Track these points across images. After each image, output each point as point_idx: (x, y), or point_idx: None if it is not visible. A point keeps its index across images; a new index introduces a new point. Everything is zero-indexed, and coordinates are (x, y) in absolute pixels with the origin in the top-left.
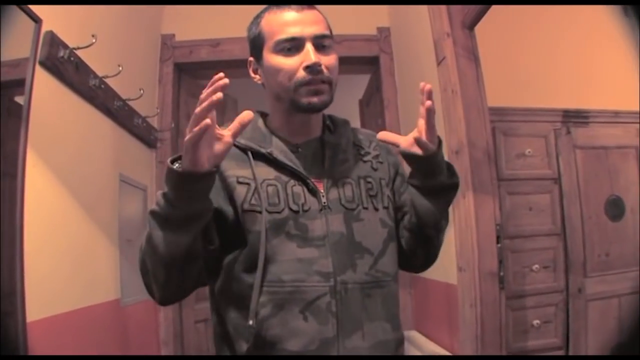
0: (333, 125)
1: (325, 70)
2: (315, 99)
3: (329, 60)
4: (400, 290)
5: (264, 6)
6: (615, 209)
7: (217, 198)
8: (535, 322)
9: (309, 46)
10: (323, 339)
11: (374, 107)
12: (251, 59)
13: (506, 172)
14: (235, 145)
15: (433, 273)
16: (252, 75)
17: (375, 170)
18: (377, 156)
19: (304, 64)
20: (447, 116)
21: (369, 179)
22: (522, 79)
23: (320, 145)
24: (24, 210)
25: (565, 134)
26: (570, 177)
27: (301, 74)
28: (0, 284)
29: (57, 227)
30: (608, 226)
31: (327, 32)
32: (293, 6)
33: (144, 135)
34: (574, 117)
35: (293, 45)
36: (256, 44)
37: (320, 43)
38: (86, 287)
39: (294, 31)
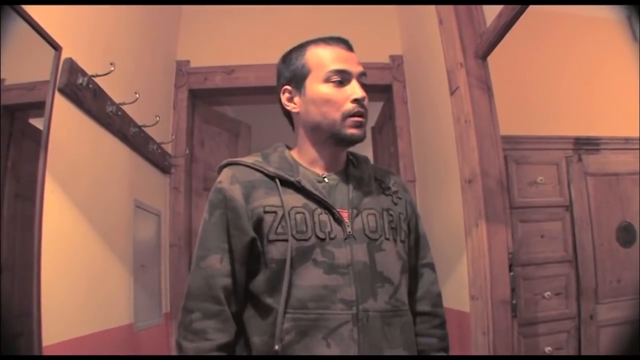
0: (356, 161)
1: (366, 105)
2: (357, 132)
3: (366, 97)
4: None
5: (279, 34)
6: (626, 235)
7: (249, 228)
8: (548, 349)
9: (355, 82)
10: None
11: (387, 135)
12: (288, 87)
13: (518, 200)
14: (263, 172)
15: (445, 301)
16: (286, 103)
17: (396, 204)
18: (396, 192)
19: (352, 97)
20: (460, 146)
21: (391, 212)
22: (534, 108)
23: (345, 178)
24: (41, 235)
25: (577, 162)
26: (581, 204)
27: (350, 105)
28: (11, 305)
29: (73, 252)
30: (620, 252)
31: (365, 70)
32: (342, 45)
33: (159, 161)
34: (585, 145)
35: (343, 78)
36: (298, 73)
37: (362, 81)
38: (101, 311)
39: (345, 65)
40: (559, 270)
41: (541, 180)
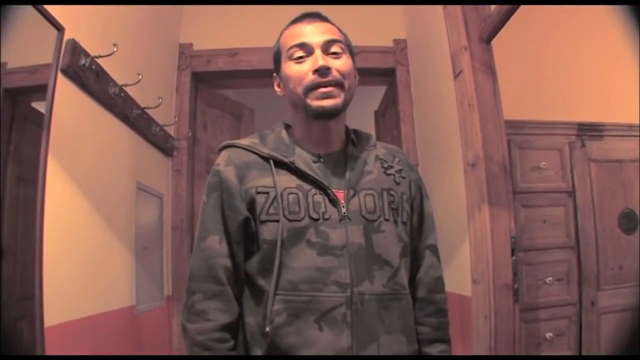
0: (357, 139)
1: (335, 73)
2: (324, 102)
3: (340, 64)
4: None
5: (281, 16)
6: (629, 222)
7: (242, 208)
8: (548, 334)
9: (317, 52)
10: (337, 350)
11: (390, 119)
12: (275, 73)
13: (521, 185)
14: (257, 154)
15: (447, 285)
16: (277, 89)
17: (398, 184)
18: (400, 171)
19: (313, 68)
20: (463, 129)
21: (392, 192)
22: (538, 93)
23: (343, 157)
24: (44, 217)
25: (580, 147)
26: (584, 191)
27: (310, 77)
28: (13, 289)
29: (75, 234)
30: (622, 239)
31: (336, 37)
32: (305, 20)
33: (161, 143)
34: (589, 131)
35: (304, 53)
36: (276, 58)
37: (329, 49)
38: (102, 293)
39: (303, 39)
40: (560, 256)
41: (544, 165)
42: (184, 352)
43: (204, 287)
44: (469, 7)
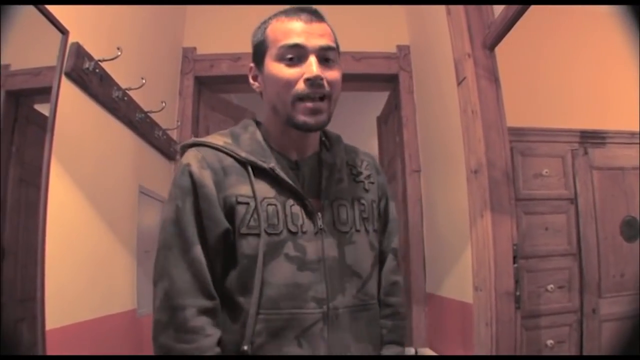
0: (328, 142)
1: (326, 85)
2: (311, 120)
3: (331, 75)
4: (415, 307)
5: None
6: (630, 229)
7: (222, 218)
8: (549, 342)
9: (312, 58)
10: None
11: (392, 125)
12: (252, 65)
13: (523, 192)
14: (234, 157)
15: (448, 291)
16: (252, 82)
17: (367, 191)
18: (368, 176)
19: (305, 76)
20: (466, 136)
21: (362, 201)
22: (541, 100)
23: (318, 164)
24: (46, 219)
25: (583, 155)
26: (586, 198)
27: (301, 86)
28: (13, 290)
29: (77, 237)
30: (623, 247)
31: (332, 44)
32: (302, 17)
33: (164, 147)
34: (591, 138)
35: (296, 55)
36: (259, 50)
37: (325, 56)
38: (104, 296)
39: (298, 39)
40: (562, 264)
41: (546, 172)
42: None
43: (197, 302)
44: (472, 14)
